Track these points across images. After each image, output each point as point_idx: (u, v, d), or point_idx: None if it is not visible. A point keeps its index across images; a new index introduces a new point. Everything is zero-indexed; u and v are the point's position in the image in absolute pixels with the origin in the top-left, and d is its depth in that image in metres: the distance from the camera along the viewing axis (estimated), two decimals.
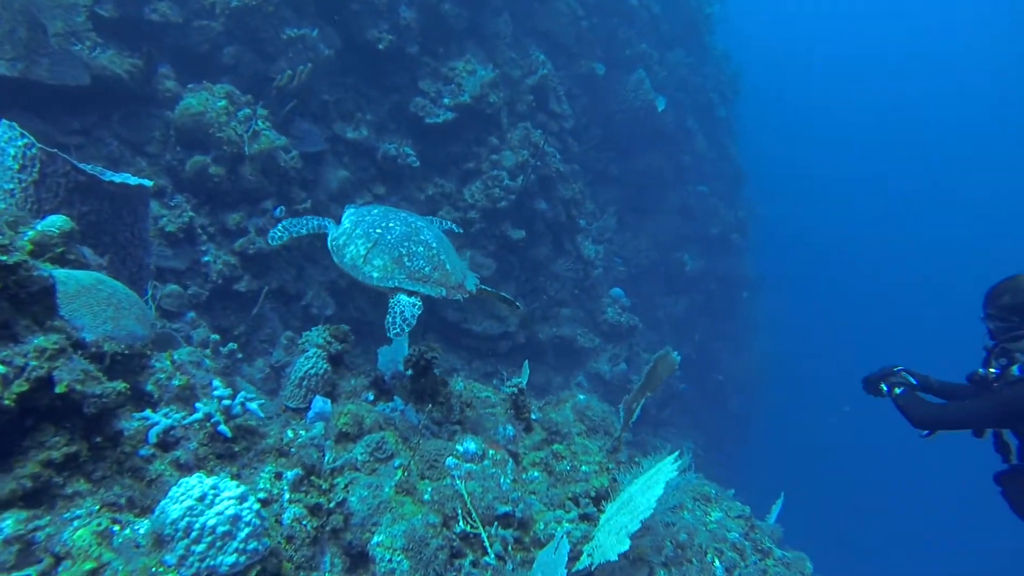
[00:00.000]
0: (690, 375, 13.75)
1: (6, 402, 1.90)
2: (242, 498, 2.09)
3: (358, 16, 7.92)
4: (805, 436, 24.33)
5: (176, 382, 2.94)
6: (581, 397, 4.83)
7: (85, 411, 2.10)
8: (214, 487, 2.05)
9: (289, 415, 3.41)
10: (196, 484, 2.04)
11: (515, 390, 4.11)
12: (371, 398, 3.57)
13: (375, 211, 4.32)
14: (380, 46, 7.95)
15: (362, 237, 4.04)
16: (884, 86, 42.33)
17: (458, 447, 3.15)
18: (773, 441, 19.82)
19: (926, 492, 25.32)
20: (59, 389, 2.01)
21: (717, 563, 4.75)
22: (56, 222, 2.84)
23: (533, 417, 4.28)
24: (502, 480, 3.05)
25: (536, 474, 3.37)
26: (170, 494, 2.03)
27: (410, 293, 3.91)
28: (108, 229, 3.58)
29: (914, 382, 3.90)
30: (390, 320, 3.79)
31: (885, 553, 22.08)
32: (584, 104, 11.77)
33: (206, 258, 6.23)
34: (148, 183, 3.80)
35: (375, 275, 3.88)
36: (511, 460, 3.34)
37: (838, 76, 42.28)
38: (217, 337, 5.56)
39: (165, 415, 2.54)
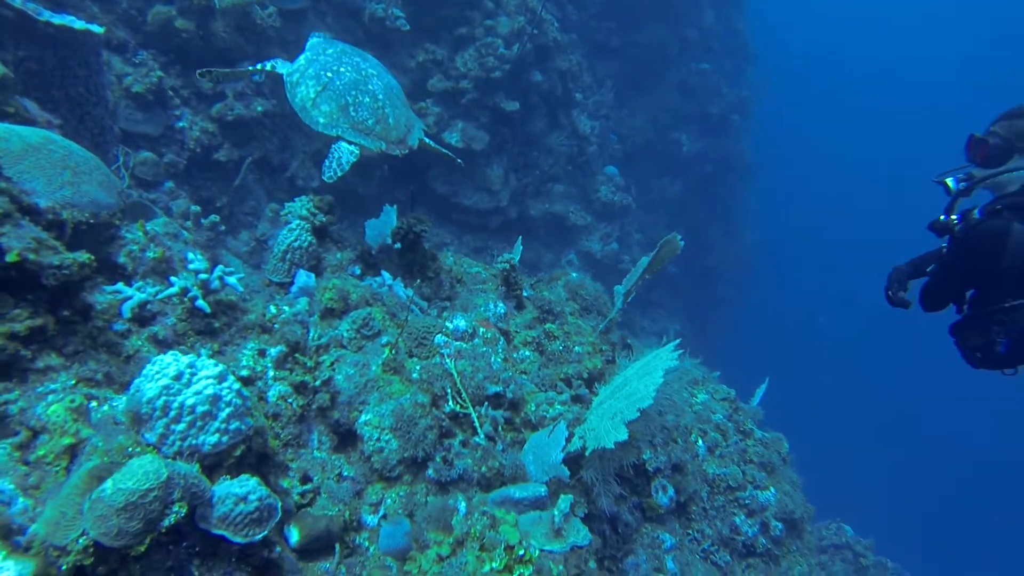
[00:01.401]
0: (681, 258, 13.69)
1: None
2: (221, 377, 1.98)
3: None
4: (791, 323, 24.93)
5: (150, 254, 2.76)
6: (574, 275, 4.73)
7: (44, 283, 1.94)
8: (191, 365, 1.94)
9: (273, 289, 3.28)
10: (172, 362, 1.92)
11: (507, 266, 3.98)
12: (358, 272, 3.44)
13: (330, 50, 4.27)
14: None
15: (313, 79, 4.01)
16: None
17: (447, 324, 3.06)
18: (758, 327, 20.26)
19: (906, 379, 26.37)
20: (10, 258, 1.83)
21: (700, 443, 4.88)
22: None
23: (525, 294, 4.19)
24: (493, 359, 2.98)
25: (527, 353, 3.31)
26: (144, 372, 1.91)
27: (350, 143, 3.97)
28: (56, 82, 3.25)
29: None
30: (327, 164, 3.89)
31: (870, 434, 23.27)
32: None
33: (181, 123, 5.86)
34: (98, 28, 3.42)
35: (321, 120, 3.93)
36: (502, 339, 3.27)
37: None
38: (198, 208, 5.32)
39: (139, 288, 2.38)
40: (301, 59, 4.28)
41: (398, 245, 3.58)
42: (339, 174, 3.91)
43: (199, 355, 2.54)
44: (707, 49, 13.74)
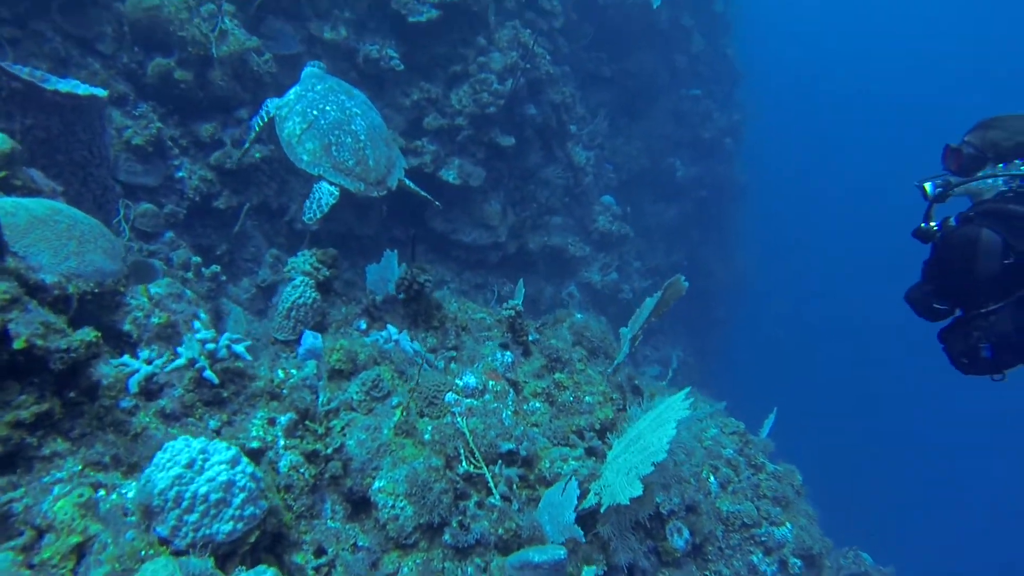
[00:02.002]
0: None
1: None
2: (234, 461, 1.93)
3: None
4: (790, 342, 24.86)
5: (156, 320, 2.73)
6: (578, 316, 4.70)
7: (51, 367, 1.90)
8: (203, 451, 1.89)
9: (278, 348, 3.24)
10: (183, 448, 1.87)
11: (512, 312, 3.96)
12: (363, 326, 3.40)
13: (319, 86, 4.46)
14: None
15: (300, 115, 4.20)
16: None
17: (457, 381, 3.02)
18: (757, 347, 20.21)
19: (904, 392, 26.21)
20: (17, 345, 1.79)
21: (712, 479, 4.81)
22: None
23: (531, 338, 4.16)
24: (504, 415, 2.94)
25: (538, 405, 3.27)
26: (155, 460, 1.86)
27: (331, 183, 4.15)
28: (61, 147, 3.23)
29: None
30: (308, 205, 4.14)
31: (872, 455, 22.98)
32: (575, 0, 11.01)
33: (180, 173, 5.85)
34: (102, 92, 3.42)
35: (305, 158, 4.12)
36: (512, 391, 3.23)
37: None
38: (199, 259, 5.29)
39: (146, 360, 2.34)
40: (291, 93, 4.44)
41: (402, 296, 3.54)
42: (318, 215, 4.14)
43: (207, 425, 2.49)
44: (697, 75, 13.89)
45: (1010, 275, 2.72)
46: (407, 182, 4.63)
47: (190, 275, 5.39)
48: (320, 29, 7.31)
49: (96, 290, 2.49)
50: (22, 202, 2.41)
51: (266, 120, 4.53)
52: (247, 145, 4.76)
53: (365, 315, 3.47)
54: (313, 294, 3.29)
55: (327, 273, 3.45)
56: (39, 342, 1.81)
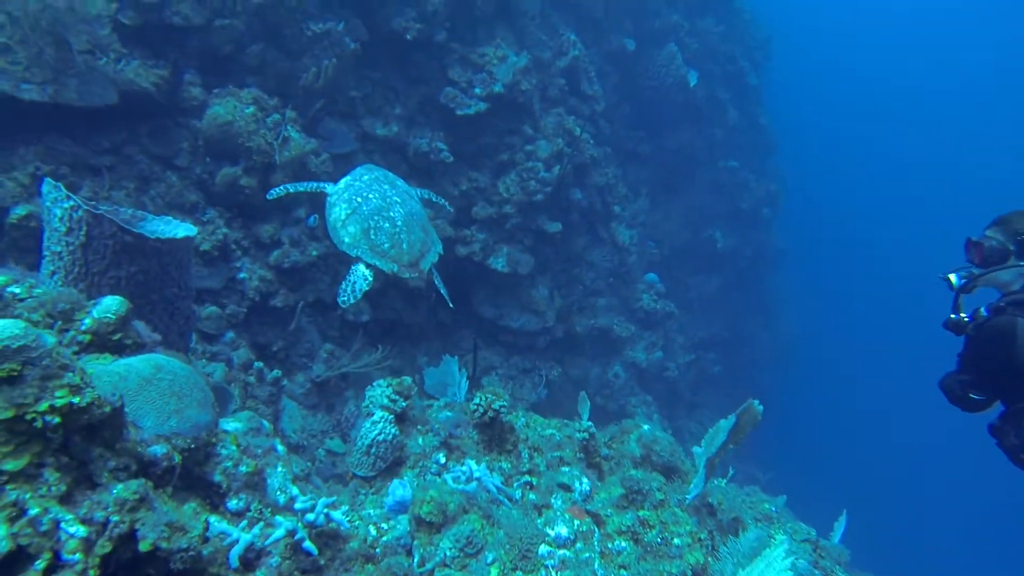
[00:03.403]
0: (723, 356, 13.54)
1: (90, 573, 1.70)
2: None
3: (384, 5, 7.50)
4: (834, 412, 24.10)
5: (244, 468, 2.75)
6: (645, 427, 4.61)
7: (172, 567, 1.91)
8: None
9: (357, 483, 3.23)
10: None
11: (586, 435, 3.92)
12: (442, 459, 3.38)
13: (366, 177, 4.91)
14: (408, 36, 7.54)
15: (346, 202, 4.57)
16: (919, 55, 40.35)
17: (549, 531, 2.96)
18: (803, 417, 19.65)
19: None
20: (143, 547, 1.80)
21: None
22: (111, 306, 2.61)
23: (603, 452, 4.12)
24: (597, 566, 2.85)
25: (624, 544, 3.18)
26: None
27: (368, 265, 4.49)
28: (156, 287, 3.35)
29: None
30: (343, 288, 4.46)
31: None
32: (614, 81, 11.30)
33: (242, 275, 6.01)
34: (193, 231, 3.57)
35: (346, 240, 4.45)
36: (597, 530, 3.15)
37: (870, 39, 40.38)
38: (260, 364, 5.37)
39: (244, 529, 2.34)
40: (342, 182, 4.87)
41: (476, 423, 3.53)
42: (352, 300, 4.43)
43: None
44: (733, 147, 14.01)
45: None
46: (435, 275, 5.04)
47: (252, 379, 5.47)
48: (373, 126, 7.59)
49: (193, 446, 2.53)
50: (132, 364, 2.48)
51: (315, 190, 5.12)
52: (298, 189, 5.30)
53: (443, 447, 3.45)
54: (393, 430, 3.30)
55: (404, 404, 3.46)
56: (164, 544, 1.83)
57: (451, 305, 5.58)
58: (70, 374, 1.81)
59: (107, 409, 1.90)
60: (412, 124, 8.03)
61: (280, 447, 3.27)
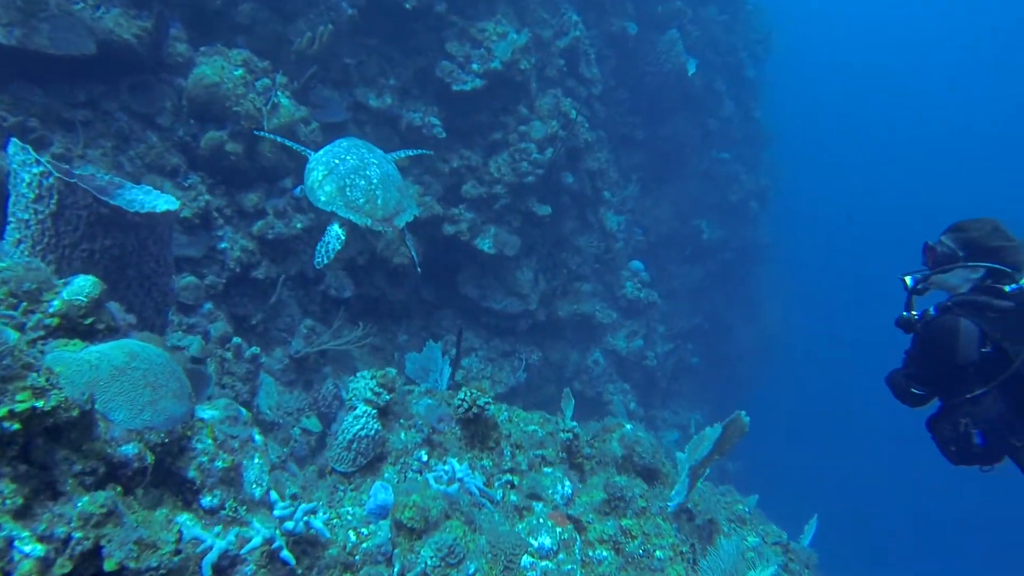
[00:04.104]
0: (702, 347, 13.59)
1: None
2: None
3: None
4: (812, 408, 24.41)
5: (219, 463, 2.63)
6: (627, 427, 4.56)
7: None
8: None
9: (336, 479, 3.12)
10: None
11: (570, 436, 3.84)
12: (424, 458, 3.28)
13: (344, 143, 5.01)
14: (407, 5, 7.27)
15: (323, 165, 4.71)
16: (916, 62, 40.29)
17: (531, 541, 2.88)
18: (782, 412, 19.88)
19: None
20: (108, 566, 1.68)
21: None
22: (84, 288, 2.44)
23: (585, 452, 4.06)
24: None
25: (605, 553, 3.13)
26: None
27: (341, 224, 4.65)
28: (132, 262, 3.17)
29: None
30: (318, 249, 4.62)
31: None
32: (613, 65, 11.10)
33: (223, 244, 5.80)
34: (175, 204, 3.38)
35: (322, 199, 4.56)
36: (578, 538, 3.09)
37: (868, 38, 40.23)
38: (239, 340, 5.21)
39: (218, 535, 2.23)
40: (323, 149, 4.99)
41: (460, 418, 3.44)
42: (326, 261, 4.59)
43: None
44: (727, 138, 13.93)
45: (988, 363, 2.87)
46: (407, 236, 5.14)
47: (229, 355, 5.31)
48: (366, 96, 7.35)
49: (166, 440, 2.41)
50: (105, 352, 2.33)
51: (300, 152, 5.16)
52: (278, 139, 5.37)
53: (425, 444, 3.35)
54: (375, 425, 3.19)
55: (388, 398, 3.35)
56: (132, 564, 1.70)
57: (418, 269, 5.77)
58: (33, 375, 1.67)
59: (75, 412, 1.76)
60: (406, 96, 7.79)
61: (257, 436, 3.16)
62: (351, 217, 4.54)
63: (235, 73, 5.80)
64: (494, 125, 8.34)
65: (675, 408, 12.71)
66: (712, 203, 13.74)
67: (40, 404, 1.65)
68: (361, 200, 4.55)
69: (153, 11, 5.56)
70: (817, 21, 35.40)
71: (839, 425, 25.23)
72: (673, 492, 3.66)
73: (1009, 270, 2.94)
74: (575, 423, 3.87)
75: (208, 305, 5.66)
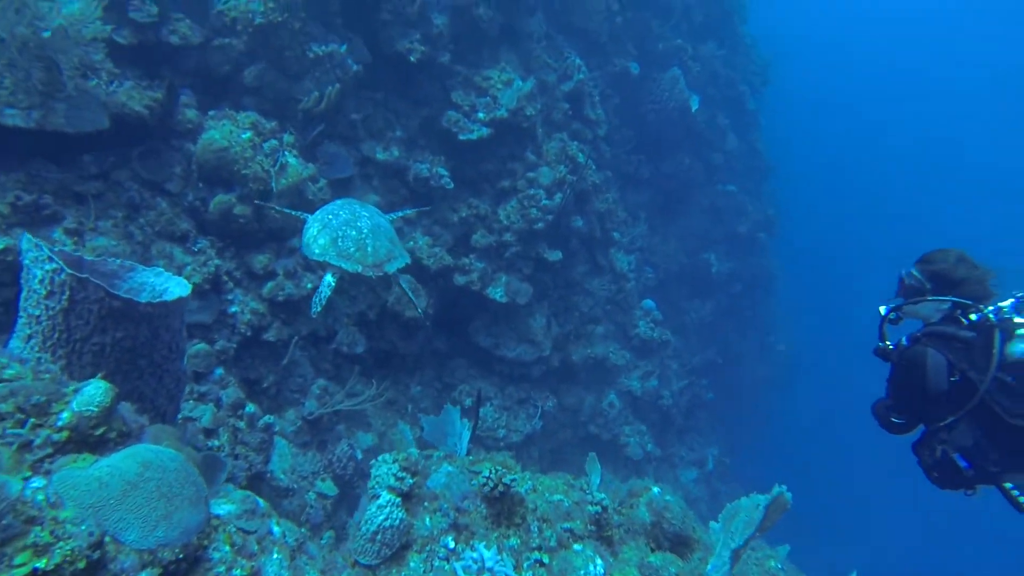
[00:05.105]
0: (716, 381, 13.41)
1: None
2: None
3: (388, 26, 7.27)
4: (825, 434, 24.03)
5: (238, 572, 2.52)
6: (655, 490, 4.41)
7: None
8: None
9: (360, 571, 3.00)
10: None
11: (599, 508, 3.71)
12: (451, 545, 3.15)
13: (338, 202, 5.30)
14: (412, 58, 7.31)
15: (318, 222, 5.00)
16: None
17: None
18: (794, 440, 19.58)
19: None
20: None
21: None
22: (95, 397, 2.36)
23: (614, 520, 3.92)
24: None
25: None
26: None
27: (334, 272, 4.88)
28: (144, 352, 3.09)
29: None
30: (313, 301, 4.85)
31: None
32: (616, 104, 11.14)
33: (233, 308, 5.74)
34: (187, 290, 3.30)
35: (316, 251, 4.83)
36: None
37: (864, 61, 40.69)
38: (252, 409, 5.11)
39: None
40: (319, 210, 5.21)
41: (485, 497, 3.32)
42: (320, 308, 4.81)
43: None
44: (731, 171, 13.92)
45: (957, 391, 2.93)
46: (402, 284, 5.46)
47: (242, 424, 5.22)
48: (372, 150, 7.34)
49: (181, 556, 2.30)
50: (115, 465, 2.23)
51: (299, 217, 5.37)
52: (275, 208, 5.60)
53: (452, 530, 3.23)
54: (400, 514, 3.07)
55: (411, 482, 3.23)
56: None
57: (420, 312, 6.29)
58: (36, 529, 1.57)
59: (81, 565, 1.66)
60: (413, 147, 7.79)
61: (276, 528, 3.05)
62: (343, 264, 4.77)
63: (243, 136, 5.80)
64: (502, 172, 8.32)
65: (691, 444, 12.48)
66: (719, 236, 13.69)
67: (42, 564, 1.55)
68: (352, 248, 4.81)
69: (163, 80, 5.59)
70: (810, 51, 35.76)
71: (850, 449, 24.75)
72: (710, 568, 3.51)
73: (970, 303, 3.01)
74: (603, 495, 3.73)
75: (219, 371, 5.56)
